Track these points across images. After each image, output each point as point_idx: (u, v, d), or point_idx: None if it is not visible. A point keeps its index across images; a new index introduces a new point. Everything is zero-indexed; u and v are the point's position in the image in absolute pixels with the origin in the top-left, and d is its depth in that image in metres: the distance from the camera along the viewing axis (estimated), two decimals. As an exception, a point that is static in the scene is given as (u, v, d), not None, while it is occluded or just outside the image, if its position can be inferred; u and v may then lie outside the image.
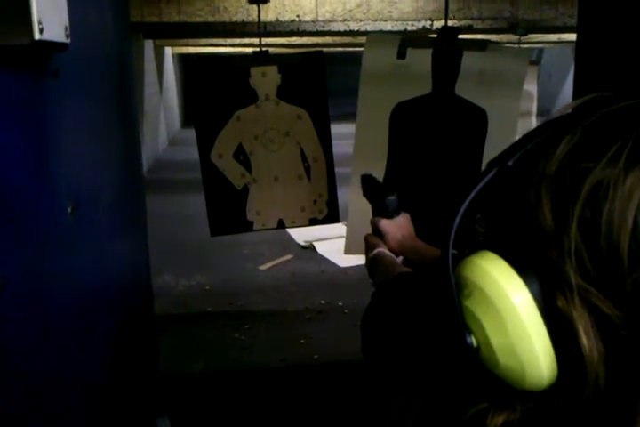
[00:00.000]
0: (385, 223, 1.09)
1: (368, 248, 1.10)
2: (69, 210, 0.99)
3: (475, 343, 0.49)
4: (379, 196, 1.13)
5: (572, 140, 0.47)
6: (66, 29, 0.85)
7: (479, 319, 0.48)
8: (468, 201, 0.50)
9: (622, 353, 0.44)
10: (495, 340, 0.47)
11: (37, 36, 0.72)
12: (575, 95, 1.75)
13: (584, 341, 0.44)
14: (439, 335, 0.59)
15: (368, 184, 1.19)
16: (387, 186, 1.17)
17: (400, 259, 1.06)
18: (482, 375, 0.51)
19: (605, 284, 0.44)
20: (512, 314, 0.46)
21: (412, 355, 0.68)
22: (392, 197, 1.10)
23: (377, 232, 1.10)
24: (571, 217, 0.45)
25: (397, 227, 1.08)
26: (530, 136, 0.51)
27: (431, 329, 0.64)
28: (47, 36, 0.75)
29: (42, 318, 0.92)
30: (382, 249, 1.06)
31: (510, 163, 0.50)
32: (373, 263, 1.05)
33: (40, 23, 0.72)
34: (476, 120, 2.54)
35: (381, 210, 1.11)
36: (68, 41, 0.87)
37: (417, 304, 0.72)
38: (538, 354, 0.46)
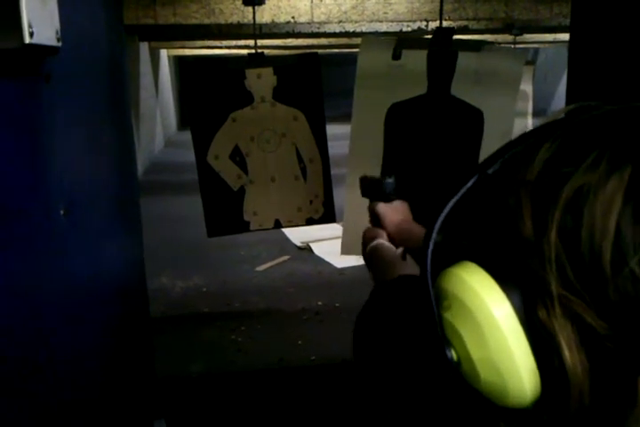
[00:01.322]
0: (382, 206, 1.08)
1: (366, 239, 1.08)
2: (62, 212, 1.00)
3: (455, 357, 0.48)
4: (376, 182, 1.12)
5: (551, 147, 0.46)
6: (57, 33, 0.85)
7: (459, 332, 0.47)
8: (447, 210, 0.49)
9: (607, 366, 0.42)
10: (475, 353, 0.46)
11: (27, 40, 0.72)
12: (568, 95, 1.75)
13: (566, 353, 0.42)
14: (422, 349, 0.58)
15: (366, 181, 1.18)
16: (384, 171, 1.16)
17: (400, 250, 1.05)
18: (464, 393, 0.49)
19: (588, 293, 0.42)
20: (492, 326, 0.44)
21: (400, 362, 0.67)
22: (390, 180, 1.09)
23: (374, 217, 1.10)
24: (550, 223, 0.43)
25: (395, 210, 1.08)
26: (510, 145, 0.50)
27: (415, 343, 0.63)
28: (38, 39, 0.75)
29: (35, 321, 0.92)
30: (381, 241, 1.05)
31: (490, 171, 0.49)
32: (372, 255, 1.04)
33: (30, 27, 0.73)
34: (472, 121, 2.54)
35: (379, 195, 1.10)
36: (60, 44, 0.87)
37: (408, 313, 0.70)
38: (519, 368, 0.44)
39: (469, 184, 0.49)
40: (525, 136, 0.50)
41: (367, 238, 1.09)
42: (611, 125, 0.46)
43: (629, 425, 0.42)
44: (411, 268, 0.97)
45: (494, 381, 0.46)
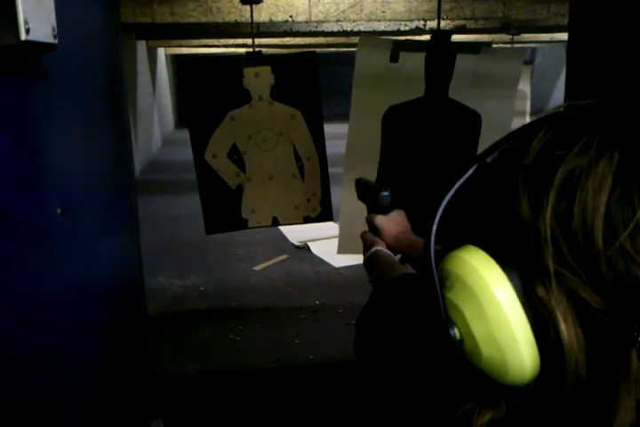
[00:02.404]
0: (380, 219, 1.10)
1: (365, 246, 1.10)
2: (58, 211, 0.99)
3: (458, 335, 0.50)
4: (373, 193, 1.13)
5: (546, 135, 0.49)
6: (53, 30, 0.84)
7: (461, 310, 0.49)
8: (448, 197, 0.51)
9: (602, 339, 0.44)
10: (477, 330, 0.48)
11: (24, 37, 0.72)
12: (567, 94, 1.75)
13: (562, 327, 0.44)
14: (426, 332, 0.60)
15: (362, 187, 1.19)
16: (380, 183, 1.18)
17: (398, 257, 1.07)
18: (467, 372, 0.51)
19: (582, 269, 0.44)
20: (492, 303, 0.46)
21: (403, 355, 0.68)
22: (386, 193, 1.10)
23: (373, 229, 1.11)
24: (546, 204, 0.46)
25: (392, 222, 1.09)
26: (509, 136, 0.52)
27: (419, 327, 0.65)
28: (34, 36, 0.75)
29: (32, 320, 0.91)
30: (380, 247, 1.07)
31: (489, 160, 0.52)
32: (371, 261, 1.06)
33: (26, 23, 0.72)
34: (470, 123, 2.54)
35: (376, 206, 1.12)
36: (56, 41, 0.86)
37: (412, 306, 0.72)
38: (518, 342, 0.46)
39: (469, 173, 0.52)
40: (523, 128, 0.52)
41: (366, 244, 1.10)
42: (600, 113, 0.49)
43: (621, 396, 0.44)
44: (408, 270, 0.99)
45: (495, 356, 0.47)
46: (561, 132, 0.48)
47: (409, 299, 0.77)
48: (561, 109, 0.53)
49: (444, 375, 0.56)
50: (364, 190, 1.18)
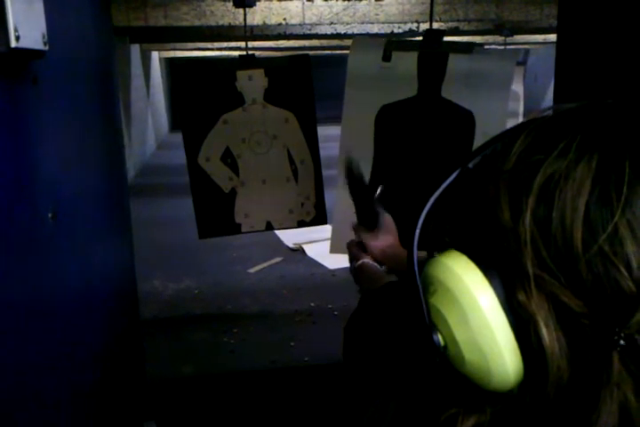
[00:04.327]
0: (367, 237, 1.09)
1: (352, 258, 1.11)
2: (50, 215, 0.99)
3: (442, 341, 0.50)
4: (363, 198, 1.12)
5: (526, 139, 0.49)
6: (43, 37, 0.85)
7: (444, 315, 0.49)
8: (430, 203, 0.51)
9: (583, 343, 0.44)
10: (459, 335, 0.48)
11: (14, 44, 0.72)
12: (556, 96, 1.76)
13: (544, 331, 0.44)
14: (410, 337, 0.60)
15: (351, 177, 1.17)
16: (372, 187, 1.17)
17: (384, 268, 1.07)
18: (451, 378, 0.51)
19: (562, 272, 0.44)
20: (473, 307, 0.46)
21: (388, 360, 0.69)
22: (379, 207, 1.10)
23: (360, 243, 1.11)
24: (525, 208, 0.46)
25: (379, 239, 1.09)
26: (491, 141, 0.52)
27: (404, 332, 0.65)
28: (24, 43, 0.75)
29: (24, 325, 0.92)
30: (366, 260, 1.07)
31: (470, 165, 0.52)
32: (357, 272, 1.07)
33: (16, 31, 0.72)
34: (463, 122, 2.55)
35: (364, 215, 1.11)
36: (46, 48, 0.87)
37: (397, 312, 0.73)
38: (501, 348, 0.46)
39: (451, 178, 0.52)
40: (504, 133, 0.52)
41: (352, 255, 1.11)
42: (581, 117, 0.49)
43: (603, 400, 0.44)
44: (394, 279, 0.99)
45: (478, 361, 0.47)
46: (541, 137, 0.49)
47: (394, 305, 0.77)
48: (544, 113, 0.53)
49: (429, 380, 0.56)
50: (355, 186, 1.16)
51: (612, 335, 0.43)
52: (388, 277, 1.01)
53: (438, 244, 0.52)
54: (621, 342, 0.43)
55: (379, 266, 1.07)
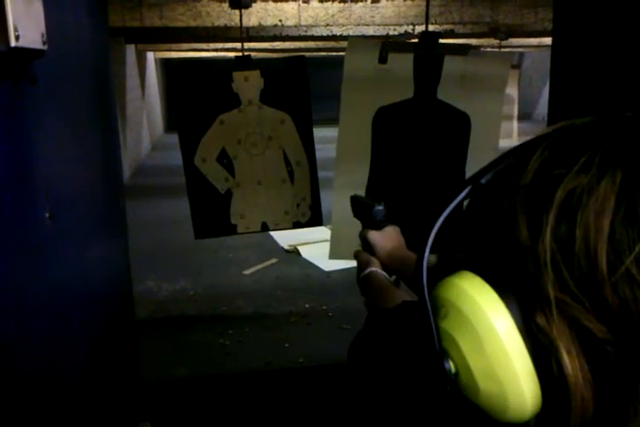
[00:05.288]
0: (373, 234, 1.08)
1: (360, 266, 1.08)
2: (47, 215, 0.99)
3: (453, 368, 0.47)
4: (366, 209, 1.12)
5: (543, 153, 0.46)
6: (42, 36, 0.85)
7: (456, 341, 0.46)
8: (441, 220, 0.48)
9: (608, 372, 0.41)
10: (473, 362, 0.45)
11: (13, 43, 0.73)
12: (551, 100, 1.77)
13: (566, 358, 0.41)
14: (420, 364, 0.56)
15: (356, 203, 1.18)
16: (373, 197, 1.17)
17: (393, 278, 1.06)
18: (464, 408, 0.48)
19: (585, 295, 0.41)
20: (489, 332, 0.43)
21: (396, 388, 0.65)
22: (379, 207, 1.09)
23: (366, 245, 1.10)
24: (545, 226, 0.43)
25: (386, 238, 1.08)
26: (503, 157, 0.50)
27: (414, 359, 0.60)
28: (23, 43, 0.75)
29: (19, 324, 0.92)
30: (375, 269, 1.05)
31: (483, 181, 0.49)
32: (366, 283, 1.04)
33: (16, 30, 0.73)
34: (459, 124, 2.56)
35: (370, 222, 1.11)
36: (45, 47, 0.87)
37: (409, 336, 0.67)
38: (518, 376, 0.43)
39: (463, 195, 0.49)
40: (517, 148, 0.50)
41: (360, 263, 1.09)
42: (600, 131, 0.46)
43: None
44: (404, 294, 0.96)
45: (494, 391, 0.44)
46: (560, 151, 0.46)
47: (406, 329, 0.71)
48: (551, 130, 0.50)
49: (439, 411, 0.53)
50: (358, 206, 1.17)
51: (639, 364, 0.40)
52: (398, 293, 0.97)
53: (450, 261, 0.49)
54: None
55: (387, 275, 1.04)
